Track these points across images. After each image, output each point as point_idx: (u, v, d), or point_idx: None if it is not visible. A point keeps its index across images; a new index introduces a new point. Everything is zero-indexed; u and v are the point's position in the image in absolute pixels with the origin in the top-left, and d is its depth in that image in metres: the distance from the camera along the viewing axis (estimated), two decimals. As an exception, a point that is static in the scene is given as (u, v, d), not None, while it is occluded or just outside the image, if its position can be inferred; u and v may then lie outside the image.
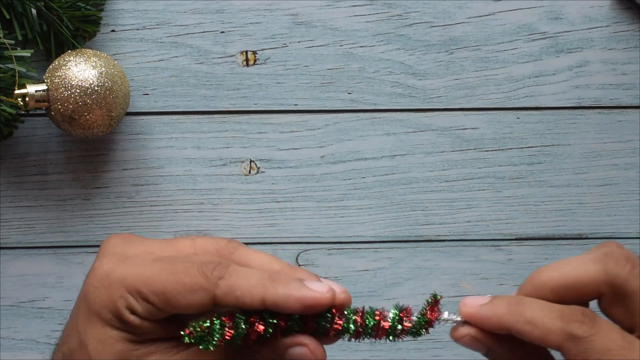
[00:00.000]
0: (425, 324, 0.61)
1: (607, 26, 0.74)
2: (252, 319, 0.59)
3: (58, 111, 0.69)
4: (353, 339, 0.61)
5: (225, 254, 0.62)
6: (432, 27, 0.75)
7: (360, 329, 0.61)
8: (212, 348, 0.59)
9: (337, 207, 0.75)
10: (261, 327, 0.59)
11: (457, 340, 0.62)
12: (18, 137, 0.75)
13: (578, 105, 0.75)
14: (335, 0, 0.74)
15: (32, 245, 0.75)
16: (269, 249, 0.75)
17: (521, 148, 0.75)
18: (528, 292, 0.61)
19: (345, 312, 0.61)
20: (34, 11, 0.70)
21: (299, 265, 0.75)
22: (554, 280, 0.61)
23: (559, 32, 0.75)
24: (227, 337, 0.59)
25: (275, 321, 0.59)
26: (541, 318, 0.60)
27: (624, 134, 0.75)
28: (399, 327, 0.61)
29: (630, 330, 0.60)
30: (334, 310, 0.60)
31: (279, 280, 0.59)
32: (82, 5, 0.70)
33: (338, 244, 0.75)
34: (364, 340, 0.61)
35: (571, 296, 0.60)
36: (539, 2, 0.74)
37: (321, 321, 0.60)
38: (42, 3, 0.70)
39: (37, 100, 0.69)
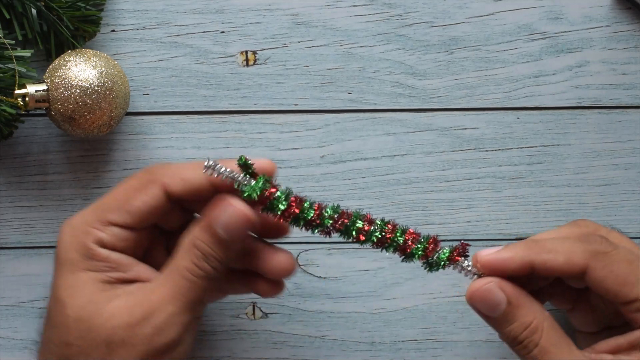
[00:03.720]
0: (448, 261, 0.64)
1: (607, 26, 0.74)
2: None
3: (58, 111, 0.69)
4: (376, 247, 0.64)
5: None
6: (432, 27, 0.75)
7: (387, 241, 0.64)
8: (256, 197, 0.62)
9: (337, 207, 0.75)
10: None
11: (478, 291, 0.64)
12: (18, 137, 0.74)
13: (578, 105, 0.75)
14: (335, 0, 0.74)
15: (32, 245, 0.75)
16: (269, 249, 0.75)
17: (521, 148, 0.75)
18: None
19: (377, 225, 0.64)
20: (34, 11, 0.70)
21: (299, 265, 0.75)
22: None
23: (559, 32, 0.75)
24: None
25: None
26: (562, 244, 0.63)
27: (624, 134, 0.75)
28: (420, 253, 0.64)
29: None
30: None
31: (223, 160, 0.63)
32: (82, 5, 0.70)
33: (338, 243, 0.75)
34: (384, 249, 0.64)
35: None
36: (539, 2, 0.74)
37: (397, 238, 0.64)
38: (42, 3, 0.70)
39: (37, 100, 0.69)
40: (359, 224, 0.64)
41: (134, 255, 0.66)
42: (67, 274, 0.64)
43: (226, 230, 0.63)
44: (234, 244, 0.64)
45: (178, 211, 0.67)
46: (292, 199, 0.63)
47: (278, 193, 0.63)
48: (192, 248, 0.64)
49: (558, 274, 0.63)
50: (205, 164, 0.62)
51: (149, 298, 0.63)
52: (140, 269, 0.66)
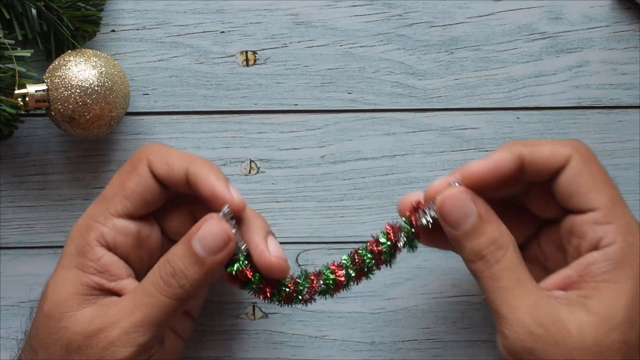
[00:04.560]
0: (411, 226, 0.64)
1: (607, 26, 0.75)
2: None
3: (58, 111, 0.69)
4: (358, 280, 0.65)
5: None
6: (432, 27, 0.75)
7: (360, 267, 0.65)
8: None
9: (337, 207, 0.75)
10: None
11: (451, 198, 0.62)
12: (18, 137, 0.75)
13: (578, 105, 0.75)
14: (335, 0, 0.74)
15: (32, 245, 0.75)
16: (269, 249, 0.75)
17: (521, 148, 0.75)
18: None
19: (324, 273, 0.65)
20: (34, 11, 0.70)
21: (299, 265, 0.75)
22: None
23: (559, 32, 0.75)
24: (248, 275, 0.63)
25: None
26: (547, 141, 0.63)
27: (624, 134, 0.75)
28: (391, 249, 0.64)
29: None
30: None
31: (209, 167, 0.63)
32: (82, 5, 0.70)
33: (338, 243, 0.75)
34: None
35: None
36: (539, 2, 0.74)
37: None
38: (42, 3, 0.70)
39: (37, 100, 0.69)
40: (332, 276, 0.64)
41: (138, 257, 0.65)
42: (59, 267, 0.65)
43: (202, 244, 0.61)
44: (209, 264, 0.61)
45: (182, 213, 0.67)
46: (262, 285, 0.64)
47: (251, 279, 0.63)
48: (164, 262, 0.62)
49: (542, 169, 0.62)
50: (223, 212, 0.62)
51: (110, 310, 0.62)
52: (127, 284, 0.64)
